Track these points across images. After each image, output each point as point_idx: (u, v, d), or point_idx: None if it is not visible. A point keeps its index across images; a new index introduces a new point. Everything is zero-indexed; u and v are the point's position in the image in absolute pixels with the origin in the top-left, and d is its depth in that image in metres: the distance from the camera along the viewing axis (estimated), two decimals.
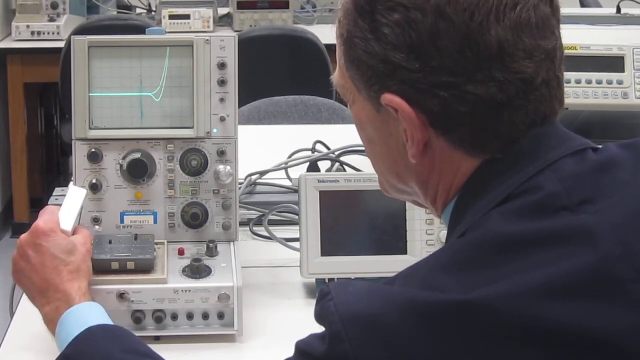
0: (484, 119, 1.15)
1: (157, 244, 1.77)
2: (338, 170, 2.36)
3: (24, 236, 1.60)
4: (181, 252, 1.78)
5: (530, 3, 1.15)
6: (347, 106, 1.30)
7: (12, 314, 1.81)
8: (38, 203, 5.07)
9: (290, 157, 2.47)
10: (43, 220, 1.60)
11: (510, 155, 1.16)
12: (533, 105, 1.16)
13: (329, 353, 1.09)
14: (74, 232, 1.63)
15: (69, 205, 1.65)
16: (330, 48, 4.48)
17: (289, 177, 2.37)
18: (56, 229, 1.59)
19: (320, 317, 1.13)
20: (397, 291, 1.10)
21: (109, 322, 1.53)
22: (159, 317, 1.68)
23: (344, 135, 2.69)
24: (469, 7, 1.13)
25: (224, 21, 5.26)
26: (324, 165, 2.40)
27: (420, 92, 1.15)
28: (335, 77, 1.28)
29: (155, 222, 1.82)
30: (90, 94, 1.79)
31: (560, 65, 1.19)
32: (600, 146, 1.22)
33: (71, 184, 1.78)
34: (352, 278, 1.84)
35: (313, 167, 2.37)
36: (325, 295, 1.13)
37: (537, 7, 1.16)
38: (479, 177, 1.18)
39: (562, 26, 1.20)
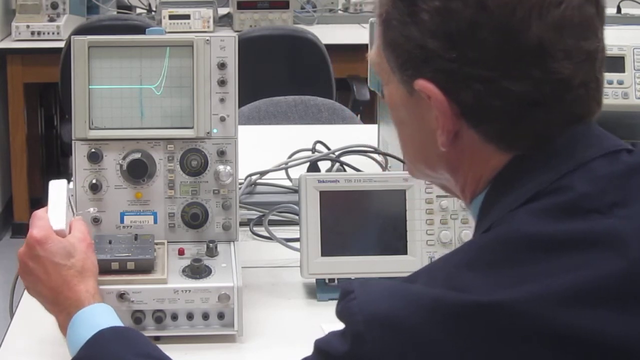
0: (517, 115, 1.13)
1: (157, 244, 1.77)
2: (338, 170, 2.36)
3: (21, 250, 1.58)
4: (181, 252, 1.78)
5: (574, 2, 1.12)
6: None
7: (12, 314, 1.81)
8: (38, 203, 5.03)
9: (290, 157, 2.47)
10: (35, 228, 1.58)
11: (542, 153, 1.14)
12: (568, 106, 1.14)
13: (350, 353, 1.08)
14: (70, 227, 1.62)
15: (54, 202, 1.63)
16: (330, 48, 4.48)
17: (289, 177, 2.37)
18: (49, 234, 1.57)
19: (342, 316, 1.11)
20: (421, 290, 1.08)
21: (119, 323, 1.53)
22: (159, 317, 1.68)
23: (344, 135, 2.69)
24: (511, 1, 1.10)
25: (224, 21, 5.26)
26: (324, 165, 2.40)
27: (454, 83, 1.13)
28: (372, 54, 1.25)
29: (155, 222, 1.82)
30: (90, 86, 1.78)
31: (600, 67, 1.16)
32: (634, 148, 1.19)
33: (52, 181, 1.72)
34: (352, 278, 1.84)
35: (313, 167, 2.37)
36: (347, 294, 1.11)
37: (581, 7, 1.13)
38: (509, 172, 1.16)
39: None
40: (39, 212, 1.62)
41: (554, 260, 1.05)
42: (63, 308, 1.54)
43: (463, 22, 1.11)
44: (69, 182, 1.78)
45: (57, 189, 1.67)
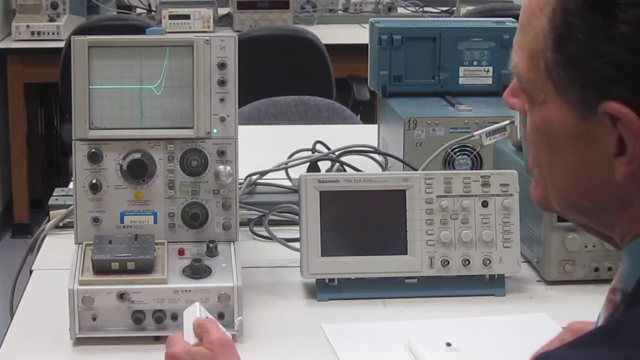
0: None
1: (157, 244, 1.77)
2: (338, 170, 2.36)
3: None
4: (181, 252, 1.78)
5: None
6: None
7: (12, 314, 1.81)
8: (38, 203, 5.08)
9: (290, 157, 2.47)
10: (170, 347, 1.45)
11: None
12: None
13: None
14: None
15: (188, 324, 1.51)
16: (330, 48, 4.48)
17: (289, 177, 2.37)
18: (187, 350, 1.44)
19: None
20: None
21: None
22: (159, 317, 1.68)
23: (344, 135, 2.69)
24: None
25: (224, 21, 5.27)
26: (324, 165, 2.40)
27: None
28: (519, 68, 1.07)
29: (155, 222, 1.81)
30: (90, 86, 1.78)
31: None
32: None
33: (197, 303, 1.57)
34: (352, 278, 1.84)
35: (313, 167, 2.37)
36: None
37: None
38: None
39: None
40: (173, 337, 1.48)
41: None
42: None
43: None
44: (69, 183, 1.77)
45: (190, 313, 1.54)
